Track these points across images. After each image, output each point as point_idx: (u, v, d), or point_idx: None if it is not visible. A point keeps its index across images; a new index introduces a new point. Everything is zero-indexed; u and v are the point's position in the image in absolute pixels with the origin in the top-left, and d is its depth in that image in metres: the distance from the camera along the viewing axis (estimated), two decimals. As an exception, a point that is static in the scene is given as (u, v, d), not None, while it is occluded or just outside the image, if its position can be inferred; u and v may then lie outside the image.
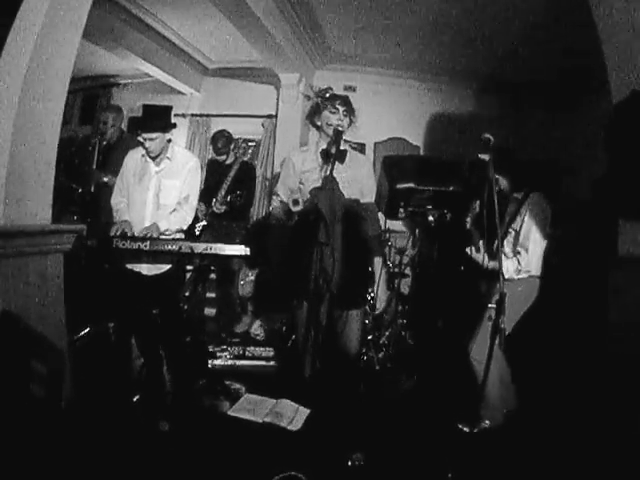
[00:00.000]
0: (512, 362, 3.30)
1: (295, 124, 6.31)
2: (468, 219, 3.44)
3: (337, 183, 2.80)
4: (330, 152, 2.88)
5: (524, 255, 3.19)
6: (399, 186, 3.68)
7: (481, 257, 3.25)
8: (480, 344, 3.14)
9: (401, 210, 3.80)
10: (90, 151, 4.61)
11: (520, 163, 3.38)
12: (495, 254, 3.22)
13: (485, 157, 2.57)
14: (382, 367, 4.32)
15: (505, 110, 6.47)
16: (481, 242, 3.27)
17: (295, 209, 2.75)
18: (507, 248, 3.31)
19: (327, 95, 2.95)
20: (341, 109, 2.91)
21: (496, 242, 3.04)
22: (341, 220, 2.81)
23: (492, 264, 3.23)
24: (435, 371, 4.17)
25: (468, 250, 3.31)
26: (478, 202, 3.57)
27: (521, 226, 3.23)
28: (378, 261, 3.09)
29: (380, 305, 3.12)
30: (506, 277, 3.16)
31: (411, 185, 3.71)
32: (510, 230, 3.30)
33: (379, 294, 3.12)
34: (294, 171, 2.99)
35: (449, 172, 3.91)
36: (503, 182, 3.34)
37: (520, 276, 3.20)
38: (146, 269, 3.41)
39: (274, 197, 3.12)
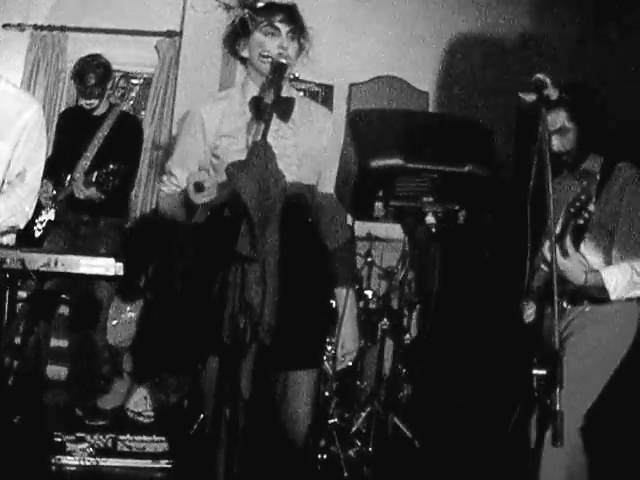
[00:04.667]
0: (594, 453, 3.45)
1: (214, 49, 6.36)
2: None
3: (274, 155, 2.86)
4: (264, 102, 2.93)
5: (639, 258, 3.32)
6: (376, 163, 3.70)
7: (572, 266, 3.31)
8: None
9: (379, 204, 3.83)
10: None
11: (603, 117, 3.53)
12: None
13: (530, 97, 2.64)
14: (353, 473, 4.40)
15: (582, 29, 6.65)
16: (568, 239, 3.34)
17: (199, 199, 2.78)
18: (592, 252, 3.48)
19: (260, 4, 3.00)
20: (284, 29, 2.94)
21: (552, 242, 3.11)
22: (279, 220, 2.83)
23: (593, 278, 3.32)
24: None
25: (546, 253, 3.41)
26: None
27: (616, 216, 3.40)
28: (344, 290, 3.16)
29: (344, 363, 3.18)
30: (613, 297, 3.30)
31: (398, 161, 3.73)
32: (590, 225, 3.43)
33: (345, 345, 3.17)
34: (204, 135, 3.03)
35: (465, 140, 3.97)
36: (570, 137, 3.46)
37: (632, 294, 3.34)
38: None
39: (164, 179, 3.15)
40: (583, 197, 3.34)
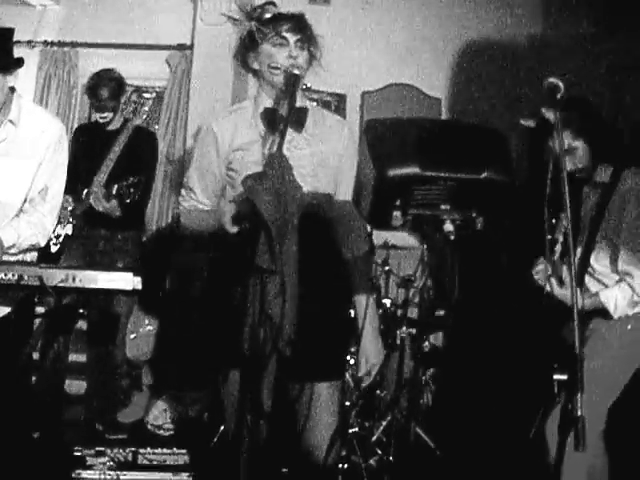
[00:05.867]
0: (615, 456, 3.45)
1: (225, 61, 6.34)
2: (563, 225, 3.45)
3: (290, 166, 2.86)
4: (278, 113, 2.94)
5: (638, 276, 3.30)
6: (393, 172, 3.71)
7: (568, 293, 3.25)
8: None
9: (397, 213, 3.82)
10: None
11: (607, 126, 3.54)
12: (580, 282, 3.39)
13: (529, 124, 2.62)
14: (374, 481, 4.40)
15: (595, 33, 6.59)
16: (564, 268, 3.37)
17: (232, 229, 2.78)
18: (601, 263, 3.47)
19: (267, 15, 2.99)
20: (292, 38, 2.93)
21: (574, 259, 3.10)
22: (297, 231, 2.85)
23: (589, 302, 3.36)
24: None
25: (541, 281, 3.41)
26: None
27: (618, 228, 3.35)
28: (364, 300, 3.15)
29: (367, 373, 3.16)
30: (615, 316, 3.31)
31: (415, 170, 3.73)
32: (599, 238, 3.43)
33: (369, 359, 3.15)
34: (217, 149, 3.03)
35: (481, 146, 3.97)
36: (580, 154, 3.45)
37: (637, 310, 3.33)
38: (-40, 315, 3.38)
39: (183, 193, 3.16)
40: (590, 212, 3.37)
